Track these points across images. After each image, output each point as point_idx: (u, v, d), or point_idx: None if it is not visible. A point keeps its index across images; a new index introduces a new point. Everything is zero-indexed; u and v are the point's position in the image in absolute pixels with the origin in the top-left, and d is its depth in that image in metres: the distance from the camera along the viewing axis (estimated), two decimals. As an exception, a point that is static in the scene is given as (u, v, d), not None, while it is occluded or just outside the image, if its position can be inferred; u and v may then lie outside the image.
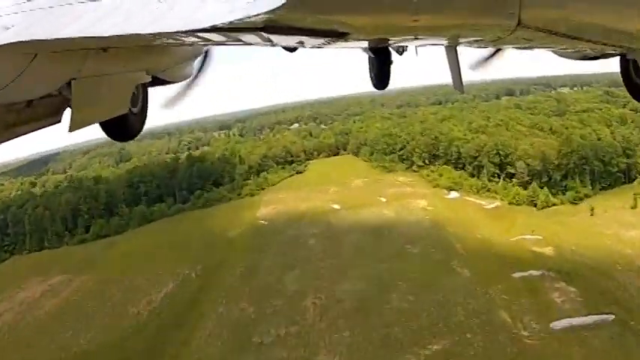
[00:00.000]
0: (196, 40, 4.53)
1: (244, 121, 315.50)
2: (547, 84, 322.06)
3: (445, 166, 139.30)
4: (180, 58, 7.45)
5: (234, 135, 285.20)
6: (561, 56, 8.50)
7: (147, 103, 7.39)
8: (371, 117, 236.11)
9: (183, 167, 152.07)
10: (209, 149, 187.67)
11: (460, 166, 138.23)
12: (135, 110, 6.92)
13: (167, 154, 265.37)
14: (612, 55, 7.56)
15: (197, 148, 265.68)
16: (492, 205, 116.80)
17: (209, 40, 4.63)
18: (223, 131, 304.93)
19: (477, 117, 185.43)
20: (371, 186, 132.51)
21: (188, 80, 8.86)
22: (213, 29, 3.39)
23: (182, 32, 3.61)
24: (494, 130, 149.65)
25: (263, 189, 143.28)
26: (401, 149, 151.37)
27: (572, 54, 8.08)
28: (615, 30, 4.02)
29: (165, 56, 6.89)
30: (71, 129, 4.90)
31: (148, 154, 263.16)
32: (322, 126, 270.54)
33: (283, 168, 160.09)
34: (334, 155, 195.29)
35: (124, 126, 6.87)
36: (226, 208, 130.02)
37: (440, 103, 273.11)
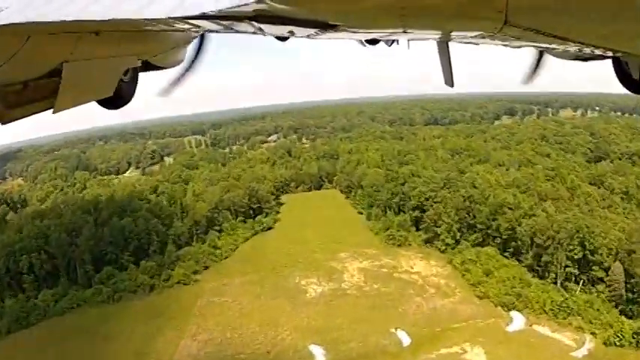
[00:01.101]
0: (188, 26, 4.13)
1: (220, 127, 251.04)
2: (546, 103, 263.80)
3: (488, 248, 79.01)
4: (172, 43, 6.25)
5: (206, 145, 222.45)
6: (554, 56, 7.05)
7: (137, 72, 6.52)
8: (361, 135, 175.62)
9: (97, 220, 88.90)
10: (151, 178, 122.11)
11: (510, 249, 78.40)
12: (125, 79, 6.09)
13: (128, 162, 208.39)
14: (606, 57, 6.18)
15: (161, 159, 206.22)
16: (583, 352, 58.02)
17: (200, 27, 4.13)
18: (195, 137, 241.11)
19: (502, 152, 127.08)
20: (376, 284, 71.61)
21: (184, 68, 7.24)
22: (204, 17, 3.15)
23: (172, 19, 3.30)
24: (548, 188, 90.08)
25: (206, 268, 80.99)
26: (415, 208, 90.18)
27: (565, 54, 6.55)
28: (605, 34, 3.40)
29: (157, 42, 5.84)
30: (55, 110, 4.55)
31: (107, 161, 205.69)
32: (304, 140, 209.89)
33: (244, 221, 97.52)
34: (316, 189, 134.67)
35: (115, 94, 5.75)
36: (135, 316, 67.88)
37: (436, 122, 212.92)
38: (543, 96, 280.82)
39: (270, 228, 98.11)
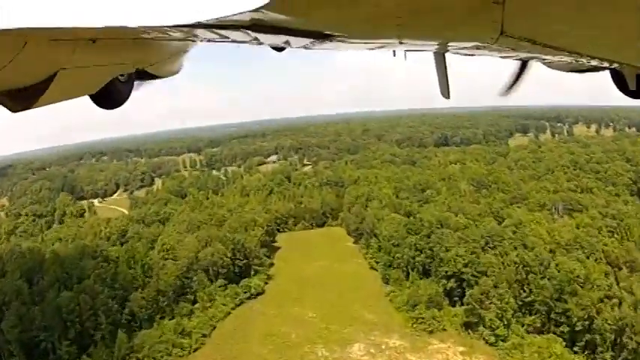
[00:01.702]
0: (184, 35, 3.95)
1: (218, 144, 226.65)
2: (557, 117, 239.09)
3: (552, 340, 54.58)
4: (169, 53, 5.93)
5: (201, 165, 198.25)
6: (550, 68, 6.38)
7: (133, 75, 5.93)
8: (368, 159, 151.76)
9: (32, 290, 64.86)
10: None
11: (581, 341, 53.94)
12: (122, 79, 5.69)
13: (116, 184, 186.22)
14: (603, 68, 5.85)
15: (152, 181, 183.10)
16: None
17: (196, 35, 3.97)
18: (191, 155, 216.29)
19: (533, 185, 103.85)
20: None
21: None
22: (200, 25, 3.03)
23: (168, 27, 3.19)
24: (616, 248, 66.29)
25: (169, 367, 56.78)
26: (451, 276, 65.59)
27: (562, 66, 6.14)
28: (601, 45, 3.32)
29: (154, 50, 5.54)
30: (36, 105, 4.23)
31: (94, 182, 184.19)
32: (305, 161, 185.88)
33: (224, 287, 72.84)
34: (319, 226, 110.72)
35: (111, 95, 5.51)
36: None
37: (447, 141, 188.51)
38: (553, 110, 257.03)
39: (259, 293, 73.60)
